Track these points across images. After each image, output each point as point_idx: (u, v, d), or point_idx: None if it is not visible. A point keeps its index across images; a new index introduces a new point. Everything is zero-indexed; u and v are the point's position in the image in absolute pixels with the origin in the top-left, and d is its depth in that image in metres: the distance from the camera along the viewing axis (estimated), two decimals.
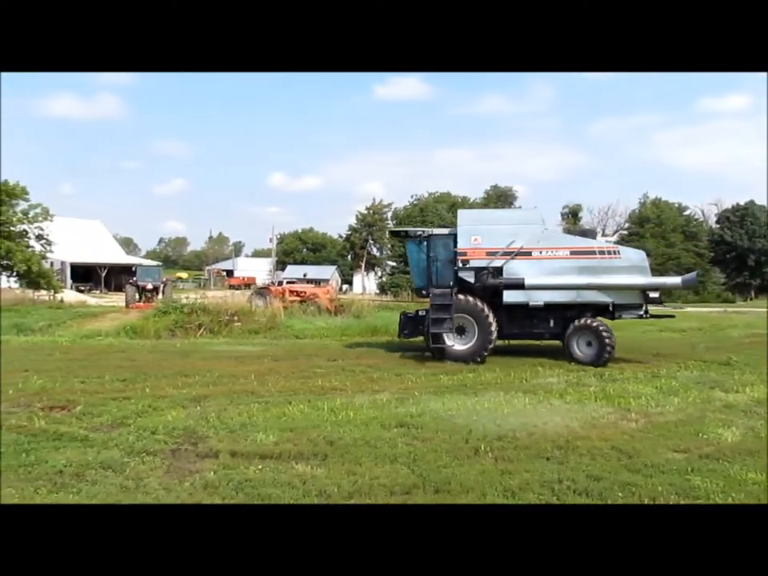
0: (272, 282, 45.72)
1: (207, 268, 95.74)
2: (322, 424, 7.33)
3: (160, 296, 29.39)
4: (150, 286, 30.73)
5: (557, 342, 14.37)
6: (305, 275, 47.02)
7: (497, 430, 7.13)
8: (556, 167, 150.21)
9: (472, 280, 13.67)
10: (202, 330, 18.77)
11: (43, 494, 4.96)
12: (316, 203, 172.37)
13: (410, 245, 14.93)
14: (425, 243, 14.34)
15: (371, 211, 69.42)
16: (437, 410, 8.11)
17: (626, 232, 60.87)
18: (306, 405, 8.36)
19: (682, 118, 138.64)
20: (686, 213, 65.15)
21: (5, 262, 28.85)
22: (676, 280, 15.20)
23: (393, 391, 9.55)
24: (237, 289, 50.68)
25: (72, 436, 6.67)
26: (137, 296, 29.99)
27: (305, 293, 27.52)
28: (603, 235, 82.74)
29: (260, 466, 5.69)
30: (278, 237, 62.08)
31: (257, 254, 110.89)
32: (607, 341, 13.03)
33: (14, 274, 29.61)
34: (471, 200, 74.47)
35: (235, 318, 19.84)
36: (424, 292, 14.47)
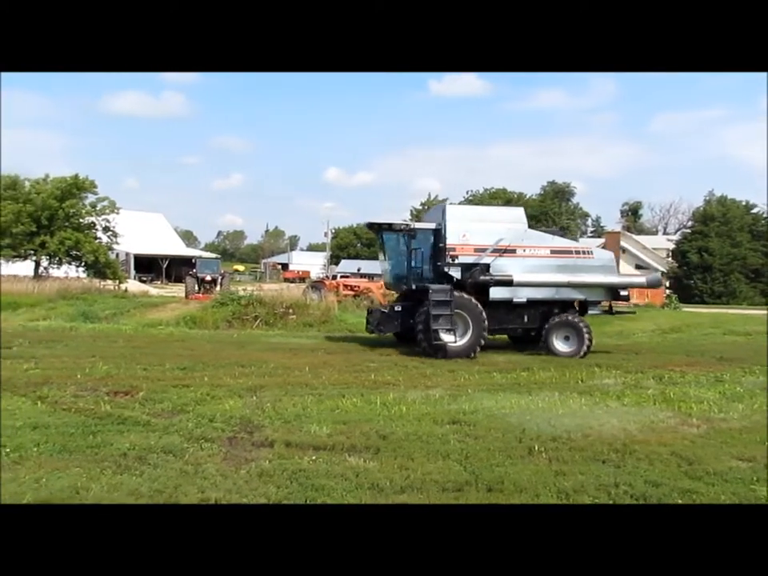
0: (326, 276, 46.24)
1: (263, 261, 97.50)
2: (374, 418, 7.37)
3: (218, 288, 30.06)
4: (208, 278, 31.47)
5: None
6: (359, 270, 47.30)
7: (551, 430, 7.02)
8: (615, 163, 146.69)
9: (458, 276, 13.72)
10: (258, 321, 19.17)
11: (108, 475, 5.17)
12: (370, 198, 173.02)
13: (389, 238, 14.83)
14: (406, 237, 14.20)
15: (426, 207, 69.24)
16: (490, 408, 8.05)
17: (689, 231, 58.73)
18: (359, 398, 8.43)
19: (749, 113, 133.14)
20: (753, 211, 62.32)
21: (74, 252, 30.12)
22: (641, 279, 16.64)
23: (446, 387, 9.53)
24: (291, 282, 51.45)
25: (135, 420, 6.92)
26: (196, 287, 30.77)
27: (359, 287, 27.70)
28: (665, 233, 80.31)
29: (314, 457, 5.77)
30: (333, 231, 62.74)
31: (312, 248, 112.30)
32: (587, 336, 13.96)
33: (83, 264, 30.85)
34: (527, 196, 73.28)
35: (290, 310, 20.16)
36: (404, 287, 14.42)
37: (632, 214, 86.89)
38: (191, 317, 19.46)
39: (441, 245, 13.86)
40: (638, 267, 56.41)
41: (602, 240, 61.74)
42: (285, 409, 7.70)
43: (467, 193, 74.08)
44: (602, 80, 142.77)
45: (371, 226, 15.18)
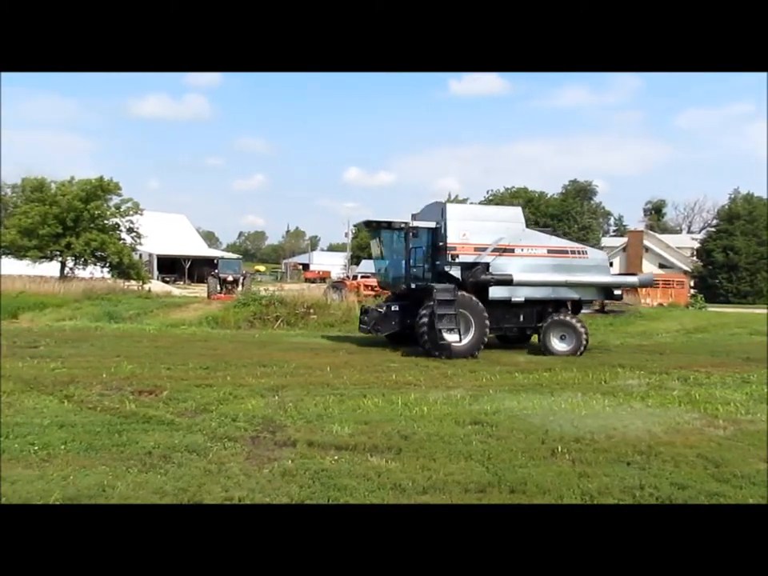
0: (347, 276, 46.31)
1: (284, 261, 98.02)
2: (396, 418, 7.38)
3: (240, 288, 30.26)
4: (230, 278, 31.69)
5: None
6: None
7: (574, 431, 6.96)
8: (638, 161, 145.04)
9: (458, 275, 13.65)
10: (279, 321, 19.28)
11: (134, 473, 5.23)
12: (391, 198, 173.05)
13: (387, 236, 14.71)
14: (405, 236, 14.09)
15: None
16: (512, 409, 8.01)
17: (714, 229, 57.83)
18: (380, 398, 8.43)
19: None
20: None
21: (99, 253, 30.54)
22: (634, 279, 16.79)
23: (467, 388, 9.50)
24: (312, 282, 51.67)
25: (159, 419, 7.00)
26: (218, 287, 31.00)
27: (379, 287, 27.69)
28: (689, 232, 79.20)
29: (336, 457, 5.78)
30: (353, 231, 62.68)
31: (332, 248, 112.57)
32: (584, 335, 14.15)
33: (107, 264, 31.26)
34: (549, 195, 72.73)
35: (311, 310, 20.24)
36: (403, 286, 14.23)
37: (655, 212, 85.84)
38: (213, 317, 19.63)
39: (441, 244, 13.80)
40: (661, 266, 55.75)
41: (625, 239, 61.25)
42: (307, 408, 7.73)
43: (487, 192, 73.66)
44: (626, 77, 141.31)
45: (369, 224, 14.91)
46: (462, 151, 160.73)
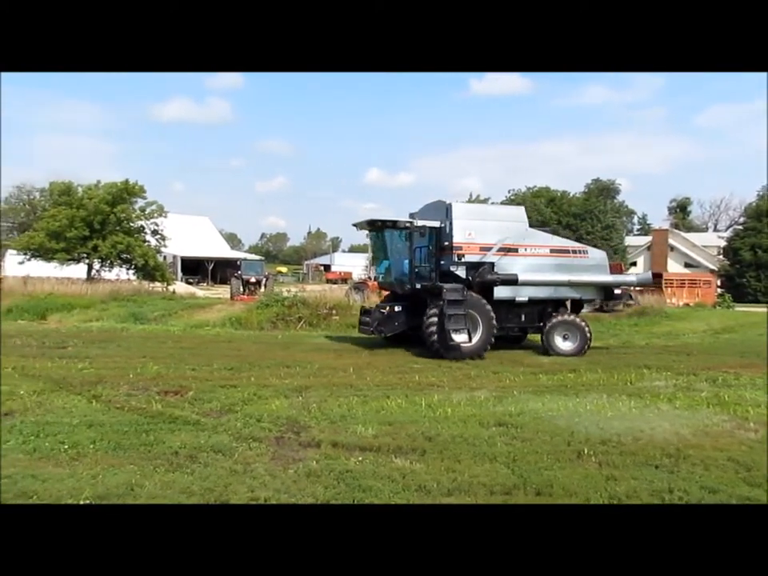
0: (369, 277, 46.36)
1: (306, 263, 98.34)
2: (419, 419, 7.37)
3: (262, 289, 30.44)
4: (253, 280, 31.88)
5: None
6: None
7: (600, 433, 6.89)
8: (662, 159, 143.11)
9: (463, 274, 13.56)
10: (302, 322, 19.35)
11: (161, 472, 5.30)
12: (411, 199, 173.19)
13: (391, 236, 14.53)
14: (409, 235, 13.92)
15: None
16: (536, 410, 7.95)
17: (741, 227, 56.76)
18: (403, 399, 8.43)
19: None
20: None
21: (125, 255, 30.94)
22: (632, 278, 17.08)
23: (491, 389, 9.45)
24: (334, 283, 51.75)
25: (185, 420, 7.07)
26: (241, 289, 31.21)
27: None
28: (715, 230, 77.88)
29: (360, 458, 5.80)
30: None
31: (353, 249, 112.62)
32: (588, 334, 14.25)
33: (133, 266, 31.64)
34: (571, 194, 72.03)
35: (333, 311, 20.27)
36: (407, 286, 14.00)
37: (680, 210, 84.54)
38: (237, 318, 19.77)
39: (446, 243, 13.69)
40: (687, 265, 54.97)
41: (649, 238, 60.45)
42: (330, 409, 7.76)
43: (509, 192, 73.15)
44: (648, 74, 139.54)
45: (373, 223, 14.57)
46: (483, 151, 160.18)
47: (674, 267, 52.11)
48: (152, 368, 10.45)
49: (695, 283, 36.10)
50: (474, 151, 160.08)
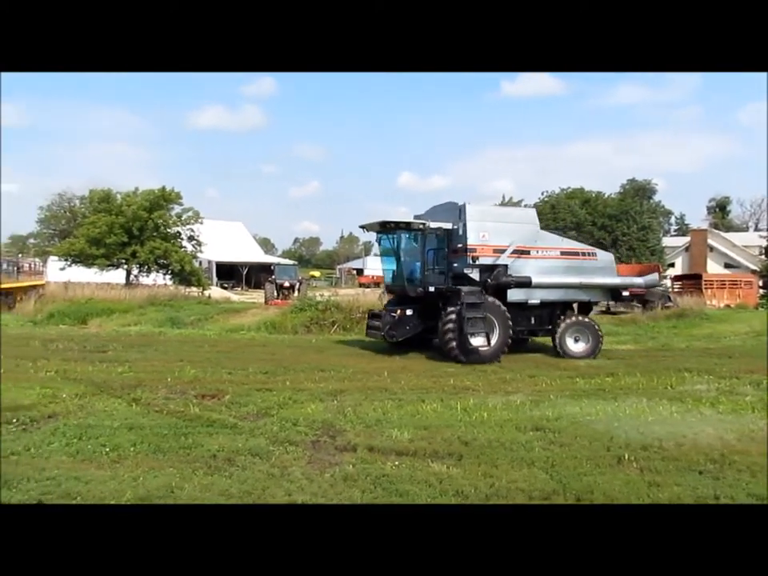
0: None
1: (338, 267, 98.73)
2: (455, 423, 7.32)
3: (296, 293, 30.66)
4: (287, 284, 32.15)
5: None
6: None
7: (641, 438, 6.75)
8: (699, 158, 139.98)
9: (477, 277, 13.31)
10: (335, 326, 19.41)
11: (200, 475, 5.36)
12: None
13: (403, 238, 14.25)
14: (420, 237, 13.70)
15: None
16: (574, 415, 7.83)
17: None
18: (438, 403, 8.39)
19: None
20: None
21: (162, 261, 31.52)
22: (640, 280, 16.42)
23: (527, 393, 9.34)
24: (367, 287, 51.78)
25: (223, 423, 7.15)
26: (275, 293, 31.49)
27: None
28: (756, 230, 75.73)
29: (396, 462, 5.78)
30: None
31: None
32: (600, 336, 14.22)
33: (169, 271, 32.22)
34: (606, 195, 70.97)
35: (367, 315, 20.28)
36: (420, 289, 13.66)
37: (719, 210, 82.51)
38: (271, 322, 19.93)
39: (459, 245, 13.51)
40: (727, 266, 53.56)
41: (687, 239, 59.14)
42: (366, 413, 7.76)
43: (542, 193, 72.38)
44: (685, 72, 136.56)
45: (385, 225, 14.07)
46: (515, 153, 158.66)
47: (713, 268, 50.80)
48: (189, 372, 10.60)
49: (736, 284, 35.19)
50: (505, 153, 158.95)
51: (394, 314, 14.01)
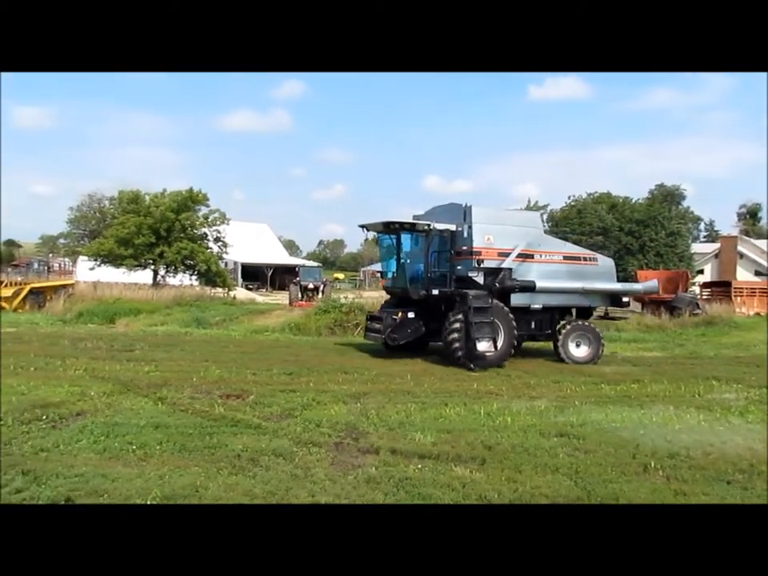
0: None
1: (362, 269, 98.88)
2: (478, 428, 7.29)
3: (320, 295, 30.77)
4: (311, 286, 32.31)
5: None
6: None
7: (667, 446, 6.65)
8: (730, 163, 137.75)
9: (481, 280, 13.06)
10: (359, 329, 19.43)
11: (224, 474, 5.41)
12: None
13: (406, 239, 13.94)
14: (424, 238, 13.47)
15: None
16: (599, 421, 7.75)
17: None
18: (462, 407, 8.37)
19: None
20: None
21: (189, 261, 31.89)
22: (639, 286, 17.32)
23: (551, 398, 9.27)
24: None
25: (247, 423, 7.21)
26: (299, 295, 31.67)
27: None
28: None
29: (419, 466, 5.77)
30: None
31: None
32: (602, 341, 14.18)
33: (196, 272, 32.58)
34: (634, 200, 70.12)
35: None
36: (422, 291, 13.35)
37: (750, 217, 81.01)
38: (295, 323, 20.03)
39: (464, 248, 13.29)
40: (757, 273, 52.49)
41: (717, 245, 58.12)
42: (389, 416, 7.76)
43: (569, 198, 71.74)
44: (715, 75, 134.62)
45: (389, 225, 13.76)
46: (542, 157, 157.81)
47: (743, 275, 49.79)
48: (214, 372, 10.71)
49: (766, 292, 34.45)
50: (532, 157, 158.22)
51: (395, 317, 13.69)
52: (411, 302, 13.79)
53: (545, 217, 67.88)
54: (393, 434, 6.97)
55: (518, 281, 13.34)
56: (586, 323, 14.44)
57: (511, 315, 13.13)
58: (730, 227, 77.54)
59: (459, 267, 13.54)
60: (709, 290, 33.91)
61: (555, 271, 13.83)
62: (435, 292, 13.35)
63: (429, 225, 13.48)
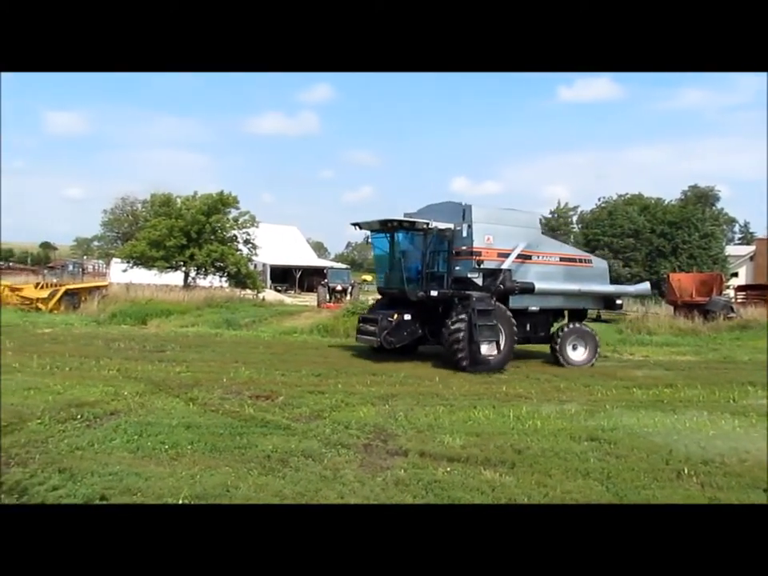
0: None
1: None
2: (508, 431, 7.24)
3: (348, 297, 30.89)
4: (339, 288, 32.46)
5: None
6: None
7: (701, 452, 6.53)
8: (766, 164, 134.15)
9: (480, 281, 12.78)
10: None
11: (254, 475, 5.46)
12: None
13: (404, 238, 13.66)
14: (422, 237, 13.17)
15: (555, 215, 67.03)
16: (631, 426, 7.63)
17: None
18: (491, 410, 8.32)
19: None
20: None
21: (219, 263, 32.29)
22: (631, 289, 17.49)
23: (581, 402, 9.16)
24: None
25: (276, 424, 7.26)
26: (327, 296, 31.84)
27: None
28: None
29: (448, 469, 5.75)
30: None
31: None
32: (598, 344, 14.19)
33: (226, 274, 32.98)
34: (666, 201, 68.95)
35: None
36: (420, 293, 12.95)
37: None
38: (323, 325, 20.13)
39: (463, 248, 12.95)
40: None
41: (752, 248, 56.80)
42: (417, 418, 7.75)
43: (599, 199, 70.84)
44: (748, 75, 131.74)
45: (386, 223, 13.34)
46: (572, 158, 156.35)
47: None
48: (244, 373, 10.82)
49: None
50: (562, 158, 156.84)
51: (390, 319, 13.21)
52: (405, 304, 13.40)
53: (574, 218, 67.32)
54: (421, 436, 6.96)
55: (518, 282, 13.15)
56: (583, 326, 14.35)
57: (512, 317, 12.91)
58: (765, 229, 75.74)
59: (458, 268, 13.21)
60: (743, 293, 33.18)
61: (552, 273, 13.73)
62: (434, 293, 12.95)
63: (428, 224, 13.06)
